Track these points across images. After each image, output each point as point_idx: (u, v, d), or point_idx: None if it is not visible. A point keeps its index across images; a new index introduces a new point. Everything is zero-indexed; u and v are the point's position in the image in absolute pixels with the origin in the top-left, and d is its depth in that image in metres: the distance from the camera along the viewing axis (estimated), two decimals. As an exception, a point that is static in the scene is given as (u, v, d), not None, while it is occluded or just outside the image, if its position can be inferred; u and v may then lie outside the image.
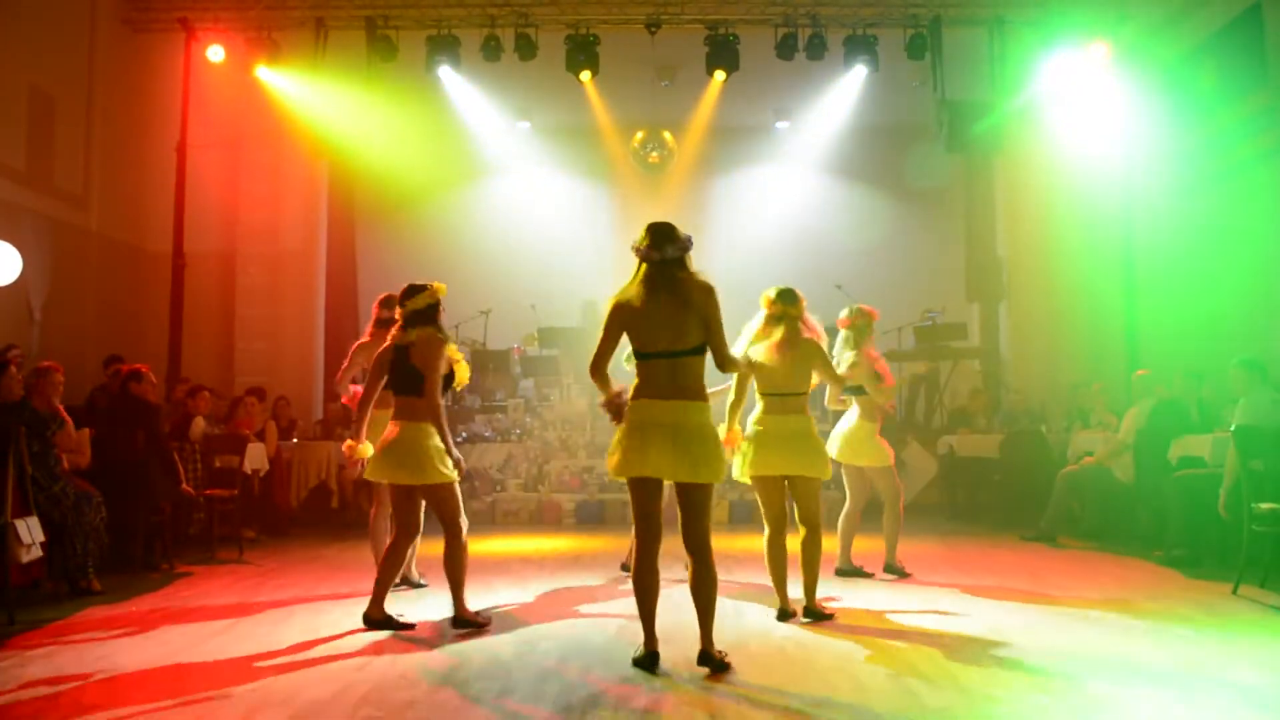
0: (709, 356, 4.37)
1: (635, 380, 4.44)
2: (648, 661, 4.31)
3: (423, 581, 6.33)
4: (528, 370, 12.55)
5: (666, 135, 13.73)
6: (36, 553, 5.77)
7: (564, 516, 10.24)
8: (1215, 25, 9.16)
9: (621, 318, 4.38)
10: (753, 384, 5.42)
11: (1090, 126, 11.21)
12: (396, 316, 5.39)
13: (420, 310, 5.28)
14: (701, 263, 4.47)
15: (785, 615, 5.32)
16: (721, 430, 4.95)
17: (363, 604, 5.25)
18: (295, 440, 10.14)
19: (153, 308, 11.32)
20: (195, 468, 8.10)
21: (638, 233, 4.44)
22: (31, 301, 9.62)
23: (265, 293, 12.11)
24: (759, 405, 5.43)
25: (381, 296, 6.35)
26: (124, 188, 11.32)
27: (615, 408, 4.35)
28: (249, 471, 8.52)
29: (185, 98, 11.19)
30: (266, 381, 10.96)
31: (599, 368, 4.37)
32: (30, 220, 9.68)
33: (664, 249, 4.35)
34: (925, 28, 11.32)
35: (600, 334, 4.40)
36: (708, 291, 4.32)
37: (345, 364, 6.38)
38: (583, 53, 11.30)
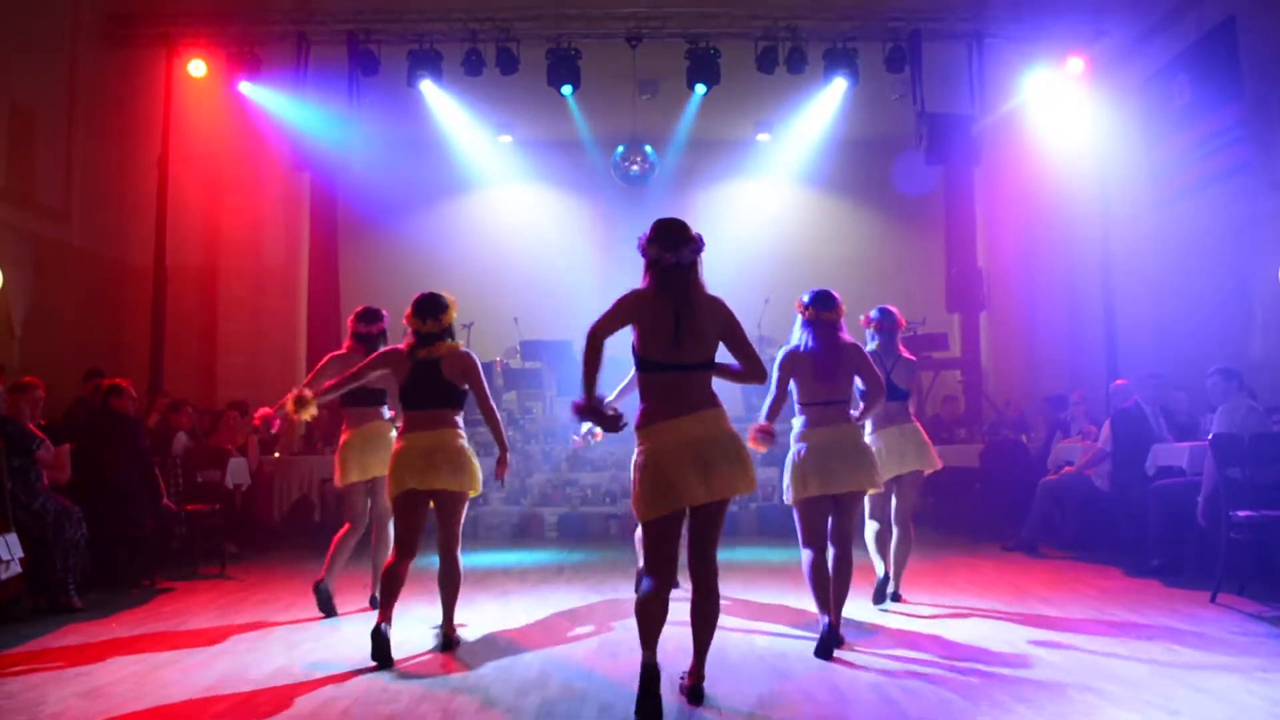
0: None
1: (642, 404, 3.98)
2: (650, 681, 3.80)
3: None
4: (510, 383, 12.54)
5: (648, 149, 13.78)
6: (16, 569, 5.74)
7: (547, 530, 10.19)
8: (1190, 39, 9.28)
9: (634, 310, 3.93)
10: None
11: (1068, 139, 11.34)
12: (404, 330, 5.18)
13: (451, 325, 5.20)
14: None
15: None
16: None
17: (345, 618, 5.20)
18: (277, 455, 10.11)
19: (134, 322, 11.24)
20: (177, 482, 8.07)
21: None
22: (12, 316, 9.56)
23: (247, 307, 12.07)
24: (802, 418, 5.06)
25: (359, 310, 6.13)
26: (105, 202, 11.26)
27: (602, 418, 3.81)
28: (231, 486, 8.51)
29: (167, 112, 11.14)
30: (248, 396, 10.94)
31: (598, 337, 3.85)
32: (11, 235, 9.63)
33: (679, 251, 3.95)
34: (904, 41, 11.41)
35: (607, 310, 3.93)
36: (726, 309, 4.01)
37: (317, 368, 5.92)
38: (564, 66, 11.34)
